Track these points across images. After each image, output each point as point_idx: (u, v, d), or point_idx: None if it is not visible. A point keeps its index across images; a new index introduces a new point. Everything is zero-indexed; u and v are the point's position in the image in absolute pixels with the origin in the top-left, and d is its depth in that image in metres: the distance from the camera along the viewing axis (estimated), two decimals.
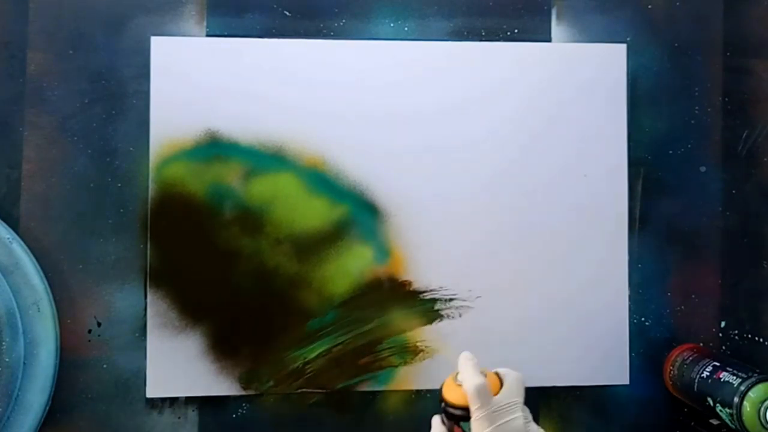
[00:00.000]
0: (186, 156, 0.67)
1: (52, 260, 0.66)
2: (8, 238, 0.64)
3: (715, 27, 0.72)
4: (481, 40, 0.70)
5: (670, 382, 0.69)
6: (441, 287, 0.68)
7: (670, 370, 0.69)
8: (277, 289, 0.67)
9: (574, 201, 0.70)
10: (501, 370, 0.56)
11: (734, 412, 0.60)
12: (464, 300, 0.69)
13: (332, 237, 0.68)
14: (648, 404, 0.71)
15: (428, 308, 0.68)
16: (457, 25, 0.70)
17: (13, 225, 0.65)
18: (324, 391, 0.68)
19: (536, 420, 0.69)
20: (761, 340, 0.71)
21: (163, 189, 0.67)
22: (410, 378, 0.68)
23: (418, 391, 0.69)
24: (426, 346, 0.68)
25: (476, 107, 0.69)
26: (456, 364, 0.68)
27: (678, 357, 0.69)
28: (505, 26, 0.70)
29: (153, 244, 0.66)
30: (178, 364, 0.66)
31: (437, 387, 0.68)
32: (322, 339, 0.67)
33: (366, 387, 0.68)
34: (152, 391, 0.66)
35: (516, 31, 0.70)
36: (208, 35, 0.68)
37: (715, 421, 0.67)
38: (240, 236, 0.67)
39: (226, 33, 0.68)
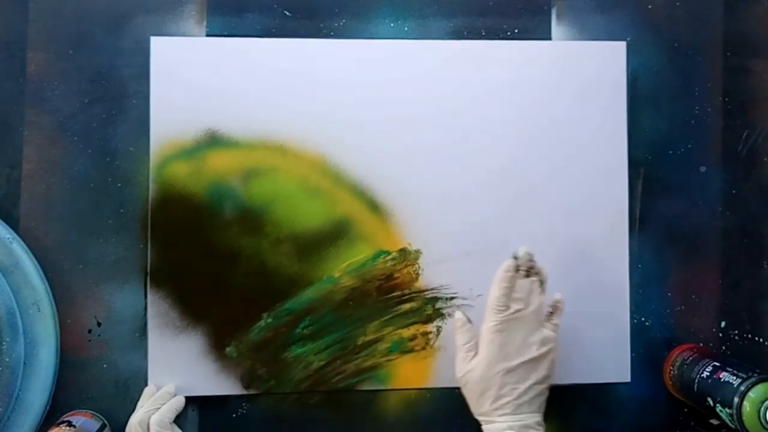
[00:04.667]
0: (186, 156, 0.67)
1: (52, 260, 0.66)
2: (8, 238, 0.64)
3: (715, 27, 0.72)
4: (481, 40, 0.70)
5: (670, 382, 0.69)
6: (442, 286, 0.68)
7: (670, 370, 0.69)
8: (277, 288, 0.67)
9: (574, 200, 0.70)
10: None
11: (734, 412, 0.60)
12: (465, 299, 0.69)
13: (333, 236, 0.68)
14: (648, 404, 0.71)
15: (429, 307, 0.68)
16: (457, 25, 0.70)
17: (13, 225, 0.65)
18: (324, 391, 0.68)
19: None
20: (761, 340, 0.71)
21: (163, 189, 0.67)
22: (411, 378, 0.68)
23: (418, 391, 0.69)
24: (427, 345, 0.68)
25: (476, 106, 0.69)
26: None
27: (678, 357, 0.69)
28: (505, 26, 0.70)
29: (153, 244, 0.66)
30: (178, 364, 0.66)
31: (438, 386, 0.69)
32: (322, 338, 0.67)
33: (366, 387, 0.68)
34: None
35: (516, 30, 0.70)
36: (208, 35, 0.68)
37: (715, 421, 0.67)
38: (240, 236, 0.67)
39: (226, 33, 0.68)
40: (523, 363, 0.61)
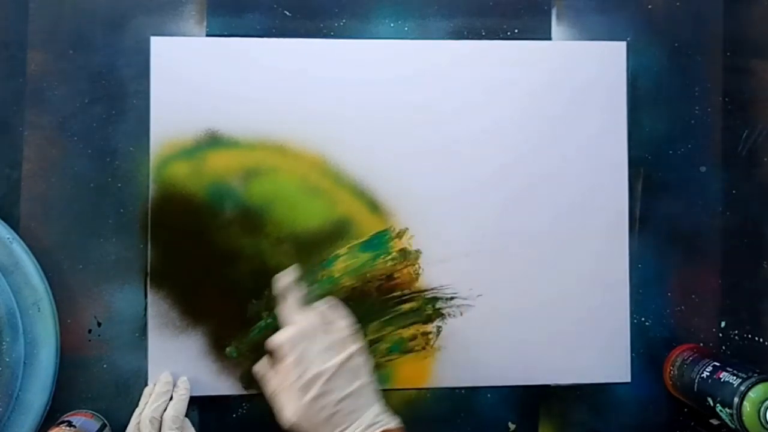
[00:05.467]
0: (186, 156, 0.67)
1: (52, 260, 0.66)
2: (8, 238, 0.64)
3: (715, 27, 0.72)
4: (481, 40, 0.70)
5: (670, 382, 0.69)
6: (442, 286, 0.68)
7: (670, 370, 0.69)
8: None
9: (574, 200, 0.70)
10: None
11: (734, 412, 0.60)
12: (465, 298, 0.69)
13: (333, 236, 0.68)
14: (648, 404, 0.71)
15: (429, 307, 0.68)
16: (457, 25, 0.70)
17: (13, 225, 0.65)
18: None
19: (536, 419, 0.70)
20: (761, 340, 0.71)
21: (163, 189, 0.67)
22: (410, 378, 0.68)
23: (418, 391, 0.69)
24: (427, 345, 0.68)
25: (476, 106, 0.69)
26: (457, 362, 0.68)
27: (678, 357, 0.69)
28: (505, 26, 0.70)
29: (153, 244, 0.66)
30: (178, 364, 0.66)
31: (438, 386, 0.69)
32: None
33: None
34: None
35: (516, 31, 0.70)
36: (208, 35, 0.68)
37: (715, 421, 0.67)
38: (240, 236, 0.67)
39: (226, 33, 0.68)
40: (329, 379, 0.58)
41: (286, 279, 0.65)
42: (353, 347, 0.60)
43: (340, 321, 0.63)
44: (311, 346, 0.59)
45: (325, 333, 0.61)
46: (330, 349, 0.60)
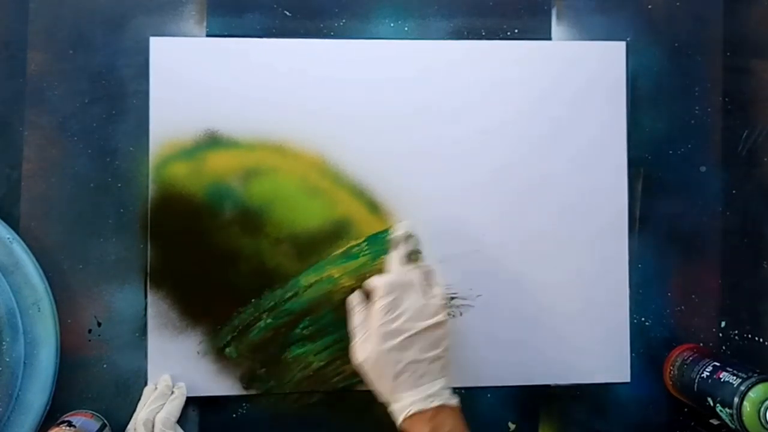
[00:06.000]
0: (186, 156, 0.67)
1: (52, 260, 0.66)
2: (8, 238, 0.64)
3: (715, 27, 0.72)
4: (481, 40, 0.70)
5: (670, 382, 0.69)
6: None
7: (670, 370, 0.69)
8: (277, 289, 0.67)
9: (575, 200, 0.70)
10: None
11: (734, 412, 0.60)
12: (465, 299, 0.69)
13: (332, 237, 0.68)
14: (648, 404, 0.71)
15: None
16: (457, 25, 0.70)
17: (13, 225, 0.65)
18: (324, 391, 0.68)
19: (536, 419, 0.70)
20: (761, 340, 0.71)
21: (163, 189, 0.67)
22: None
23: None
24: None
25: (476, 106, 0.69)
26: (457, 362, 0.68)
27: (678, 357, 0.69)
28: (505, 26, 0.70)
29: (153, 244, 0.66)
30: (178, 364, 0.66)
31: None
32: (321, 339, 0.67)
33: (366, 387, 0.68)
34: None
35: (516, 31, 0.70)
36: (208, 35, 0.68)
37: (715, 421, 0.67)
38: (240, 236, 0.67)
39: (226, 33, 0.68)
40: (411, 337, 0.59)
41: (402, 230, 0.65)
42: (441, 317, 0.61)
43: (436, 288, 0.63)
44: (404, 300, 0.60)
45: (421, 294, 0.61)
46: (420, 310, 0.60)
